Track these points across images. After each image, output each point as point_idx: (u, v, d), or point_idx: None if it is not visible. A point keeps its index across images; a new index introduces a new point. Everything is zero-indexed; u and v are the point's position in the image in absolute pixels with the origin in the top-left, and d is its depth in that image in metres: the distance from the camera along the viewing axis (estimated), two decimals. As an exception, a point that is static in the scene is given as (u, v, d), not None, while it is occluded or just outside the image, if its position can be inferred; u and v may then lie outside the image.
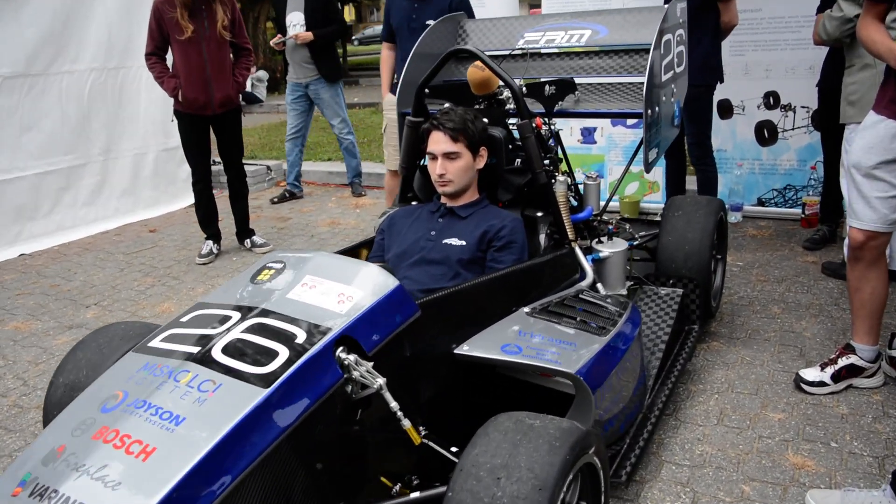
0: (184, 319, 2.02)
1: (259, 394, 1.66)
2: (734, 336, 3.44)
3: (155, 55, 4.84)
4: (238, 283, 2.17)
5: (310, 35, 6.08)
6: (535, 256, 2.74)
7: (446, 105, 2.92)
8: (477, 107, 3.03)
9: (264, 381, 1.70)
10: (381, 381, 1.79)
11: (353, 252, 2.95)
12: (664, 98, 3.17)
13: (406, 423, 1.82)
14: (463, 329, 2.28)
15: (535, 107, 3.09)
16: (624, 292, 3.06)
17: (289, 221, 6.13)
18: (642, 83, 2.91)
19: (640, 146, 3.08)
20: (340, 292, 1.99)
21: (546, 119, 3.08)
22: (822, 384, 2.86)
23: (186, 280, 4.79)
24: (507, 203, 2.89)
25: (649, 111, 2.96)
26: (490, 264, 2.63)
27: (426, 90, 2.96)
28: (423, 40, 3.49)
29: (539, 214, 2.83)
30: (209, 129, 5.02)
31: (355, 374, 1.81)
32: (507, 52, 3.44)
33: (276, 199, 6.77)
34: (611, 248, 3.02)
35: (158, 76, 4.84)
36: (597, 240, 3.07)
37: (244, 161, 5.35)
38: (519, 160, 2.95)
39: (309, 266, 2.10)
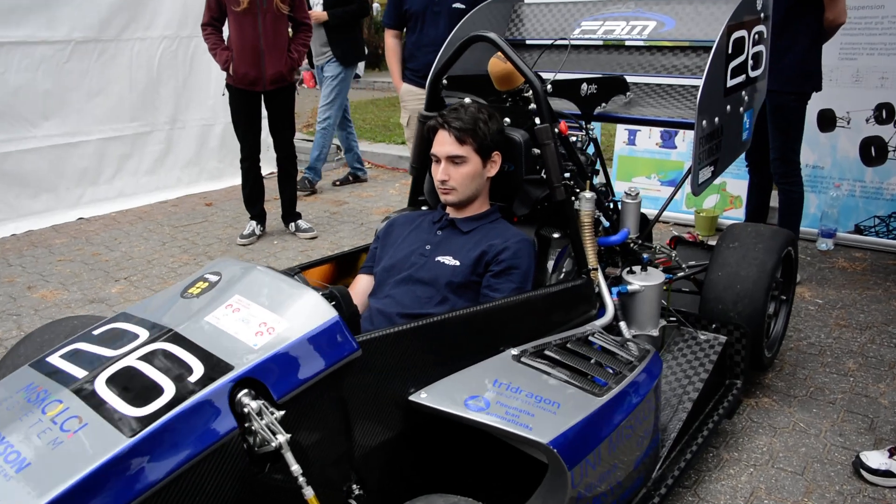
0: (96, 332, 1.78)
1: (119, 443, 1.38)
2: (791, 393, 2.90)
3: (211, 26, 4.69)
4: (168, 294, 1.92)
5: (323, 15, 5.78)
6: (543, 285, 2.33)
7: (466, 99, 2.54)
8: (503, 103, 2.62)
9: (135, 425, 1.42)
10: (282, 438, 1.48)
11: (352, 258, 2.65)
12: (728, 108, 2.66)
13: (308, 493, 1.49)
14: (428, 370, 1.93)
15: (564, 106, 2.66)
16: (654, 333, 2.61)
17: (343, 206, 5.91)
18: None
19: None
20: (263, 321, 1.68)
21: (581, 122, 2.64)
22: (888, 474, 2.33)
23: (221, 260, 4.64)
24: (523, 219, 2.49)
25: (703, 122, 2.47)
26: (485, 291, 2.26)
27: (443, 81, 2.59)
28: (465, 24, 3.11)
29: (556, 236, 2.42)
30: (260, 105, 4.84)
31: (255, 425, 1.50)
32: (548, 42, 3.00)
33: (338, 182, 6.57)
34: (642, 281, 2.56)
35: (212, 48, 4.69)
36: (628, 269, 2.62)
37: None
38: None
39: (241, 284, 1.81)
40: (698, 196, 2.77)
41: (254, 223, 5.09)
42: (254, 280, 1.82)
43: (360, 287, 2.45)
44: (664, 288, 2.70)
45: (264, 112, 4.94)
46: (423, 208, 2.70)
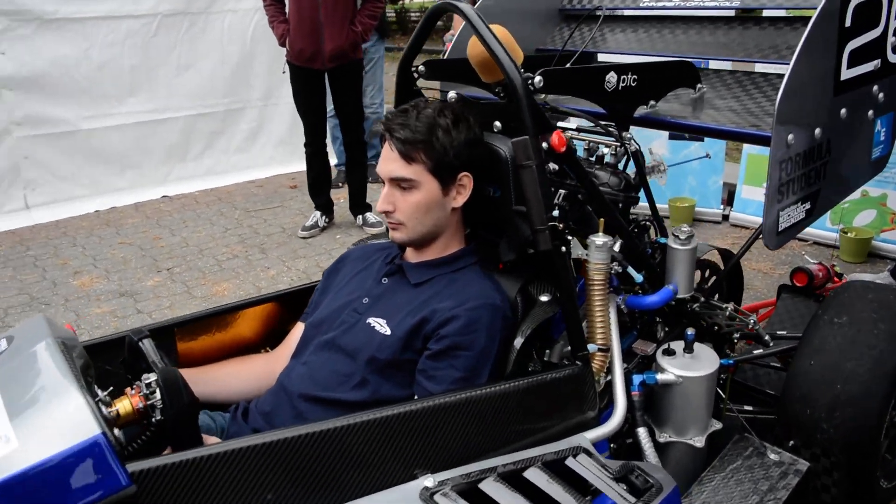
0: None
1: None
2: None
3: (272, -5, 4.24)
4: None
5: None
6: (511, 374, 1.61)
7: (451, 94, 1.85)
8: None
9: None
10: None
11: (301, 294, 2.05)
12: (844, 112, 1.73)
13: None
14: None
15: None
16: (698, 443, 1.78)
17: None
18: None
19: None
20: (-8, 435, 1.15)
21: (614, 129, 1.84)
22: None
23: (270, 256, 4.25)
24: (510, 266, 1.77)
25: (790, 136, 1.59)
26: (418, 378, 1.58)
27: (416, 68, 1.90)
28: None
29: (544, 299, 1.67)
30: (323, 84, 4.35)
31: None
32: (581, 9, 2.18)
33: (340, 184, 5.45)
34: (683, 369, 1.74)
35: (270, 20, 4.25)
36: (665, 348, 1.80)
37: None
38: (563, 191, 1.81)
39: (5, 368, 1.28)
40: (775, 249, 1.85)
41: (318, 214, 4.65)
42: (21, 362, 1.29)
43: (293, 341, 1.86)
44: (722, 378, 1.86)
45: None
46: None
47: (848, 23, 1.65)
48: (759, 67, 2.02)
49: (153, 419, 1.35)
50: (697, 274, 2.24)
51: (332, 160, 5.28)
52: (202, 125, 5.73)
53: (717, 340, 2.11)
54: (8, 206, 4.90)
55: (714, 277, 2.18)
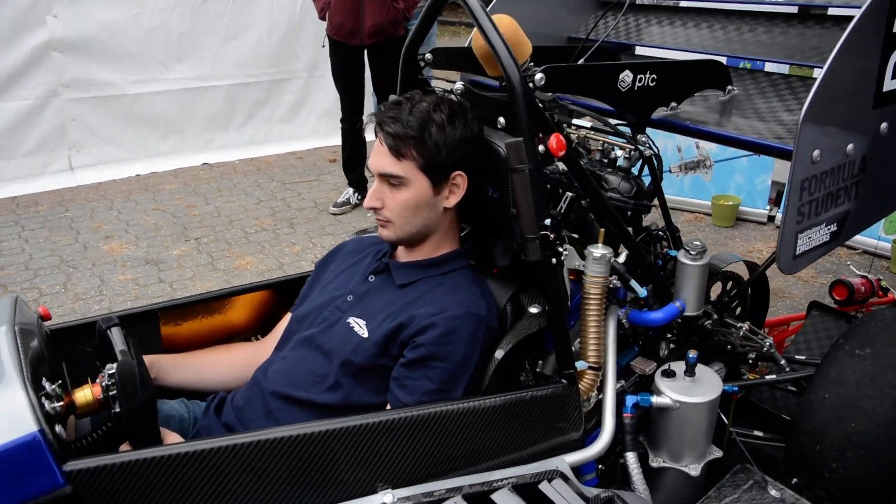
0: None
1: None
2: None
3: (316, -32, 4.17)
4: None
5: None
6: (492, 387, 1.52)
7: (457, 84, 1.75)
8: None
9: None
10: None
11: (296, 283, 2.00)
12: (884, 127, 1.57)
13: None
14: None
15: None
16: (693, 471, 1.67)
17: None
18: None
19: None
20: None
21: (634, 134, 1.71)
22: None
23: (298, 232, 4.24)
24: (503, 270, 1.67)
25: (815, 152, 1.44)
26: (392, 385, 1.51)
27: (425, 56, 1.80)
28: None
29: (534, 311, 1.57)
30: (362, 61, 4.28)
31: None
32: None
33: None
34: (681, 393, 1.62)
35: (312, -7, 4.18)
36: (664, 369, 1.68)
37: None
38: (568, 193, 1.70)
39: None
40: (790, 274, 1.69)
41: (350, 190, 4.61)
42: (-24, 348, 1.27)
43: (280, 332, 1.81)
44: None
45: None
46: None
47: (895, 27, 1.48)
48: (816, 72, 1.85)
49: (112, 411, 1.32)
50: (719, 286, 2.10)
51: (370, 136, 5.21)
52: (246, 94, 5.73)
53: (732, 360, 1.98)
54: (53, 166, 5.00)
55: (735, 292, 2.03)
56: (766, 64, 2.72)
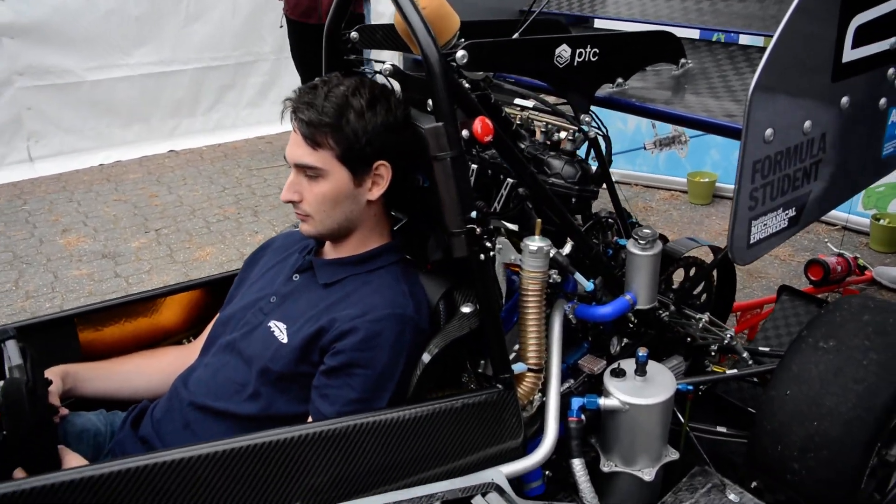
0: None
1: None
2: None
3: (276, -56, 3.99)
4: None
5: None
6: (422, 392, 1.40)
7: (386, 64, 1.61)
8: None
9: None
10: None
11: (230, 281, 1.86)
12: (845, 101, 1.44)
13: None
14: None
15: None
16: (647, 476, 1.56)
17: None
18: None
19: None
20: None
21: (577, 114, 1.58)
22: None
23: (261, 220, 4.10)
24: (437, 265, 1.55)
25: (768, 131, 1.31)
26: (313, 394, 1.39)
27: (350, 33, 1.66)
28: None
29: (465, 310, 1.44)
30: (320, 40, 4.09)
31: None
32: None
33: None
34: (630, 395, 1.51)
35: (268, -29, 4.00)
36: (613, 368, 1.56)
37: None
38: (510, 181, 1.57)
39: None
40: (746, 265, 1.57)
41: (317, 176, 4.45)
42: None
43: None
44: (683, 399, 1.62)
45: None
46: None
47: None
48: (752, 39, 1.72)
49: (1, 433, 1.20)
50: (682, 273, 1.98)
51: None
52: (212, 78, 5.54)
53: (693, 353, 1.87)
54: (10, 157, 4.82)
55: (695, 279, 1.91)
56: (741, 37, 2.59)
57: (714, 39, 2.48)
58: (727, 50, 1.77)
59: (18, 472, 1.26)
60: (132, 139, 5.28)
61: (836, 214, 3.41)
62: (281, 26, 4.14)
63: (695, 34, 2.11)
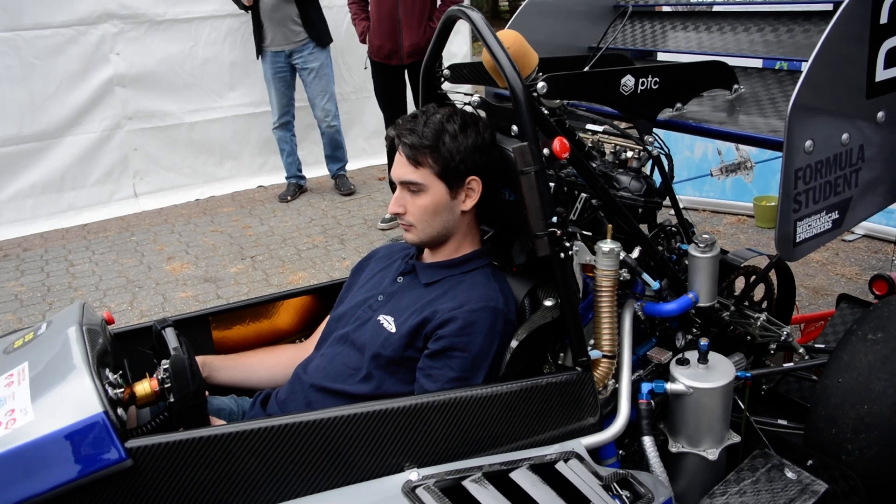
0: None
1: None
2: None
3: (357, -6, 4.39)
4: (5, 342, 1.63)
5: None
6: (510, 375, 1.63)
7: (475, 96, 1.89)
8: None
9: None
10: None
11: (336, 288, 2.15)
12: (881, 115, 1.62)
13: None
14: (272, 486, 1.41)
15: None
16: (710, 455, 1.74)
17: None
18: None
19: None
20: (13, 407, 1.31)
21: (641, 135, 1.81)
22: None
23: (348, 247, 4.43)
24: (522, 269, 1.79)
25: (807, 142, 1.51)
26: (418, 375, 1.64)
27: (443, 70, 1.94)
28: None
29: (548, 304, 1.68)
30: (402, 79, 4.46)
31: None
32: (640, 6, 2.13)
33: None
34: (695, 380, 1.70)
35: (353, 18, 4.44)
36: (679, 357, 1.75)
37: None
38: (583, 196, 1.81)
39: (39, 348, 1.45)
40: (794, 261, 1.75)
41: (396, 206, 4.77)
42: (50, 345, 1.46)
43: (320, 333, 1.97)
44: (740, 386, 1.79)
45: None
46: None
47: (884, 19, 1.54)
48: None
49: (168, 401, 1.48)
50: (742, 280, 2.16)
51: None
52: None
53: (753, 351, 2.04)
54: (119, 194, 5.34)
55: (754, 283, 2.09)
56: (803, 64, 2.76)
57: (777, 68, 2.65)
58: (776, 76, 1.97)
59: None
60: (224, 175, 5.75)
61: (870, 226, 3.47)
62: (365, 68, 4.51)
63: (758, 63, 2.30)
